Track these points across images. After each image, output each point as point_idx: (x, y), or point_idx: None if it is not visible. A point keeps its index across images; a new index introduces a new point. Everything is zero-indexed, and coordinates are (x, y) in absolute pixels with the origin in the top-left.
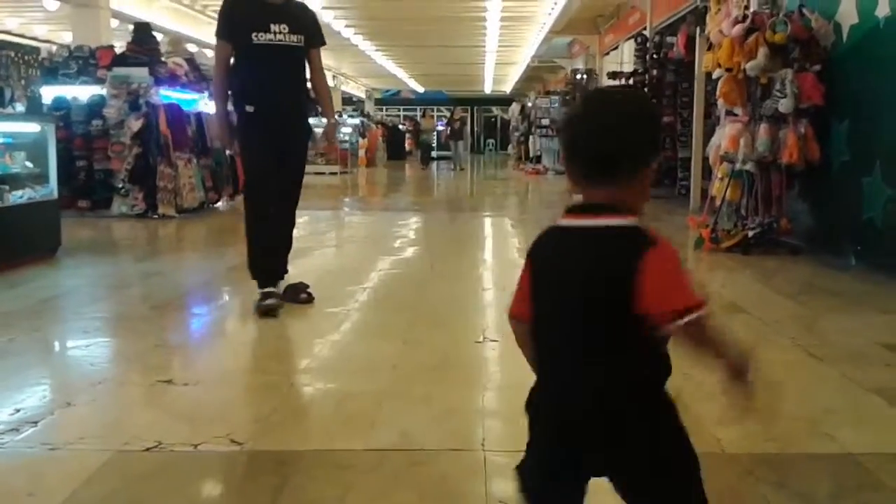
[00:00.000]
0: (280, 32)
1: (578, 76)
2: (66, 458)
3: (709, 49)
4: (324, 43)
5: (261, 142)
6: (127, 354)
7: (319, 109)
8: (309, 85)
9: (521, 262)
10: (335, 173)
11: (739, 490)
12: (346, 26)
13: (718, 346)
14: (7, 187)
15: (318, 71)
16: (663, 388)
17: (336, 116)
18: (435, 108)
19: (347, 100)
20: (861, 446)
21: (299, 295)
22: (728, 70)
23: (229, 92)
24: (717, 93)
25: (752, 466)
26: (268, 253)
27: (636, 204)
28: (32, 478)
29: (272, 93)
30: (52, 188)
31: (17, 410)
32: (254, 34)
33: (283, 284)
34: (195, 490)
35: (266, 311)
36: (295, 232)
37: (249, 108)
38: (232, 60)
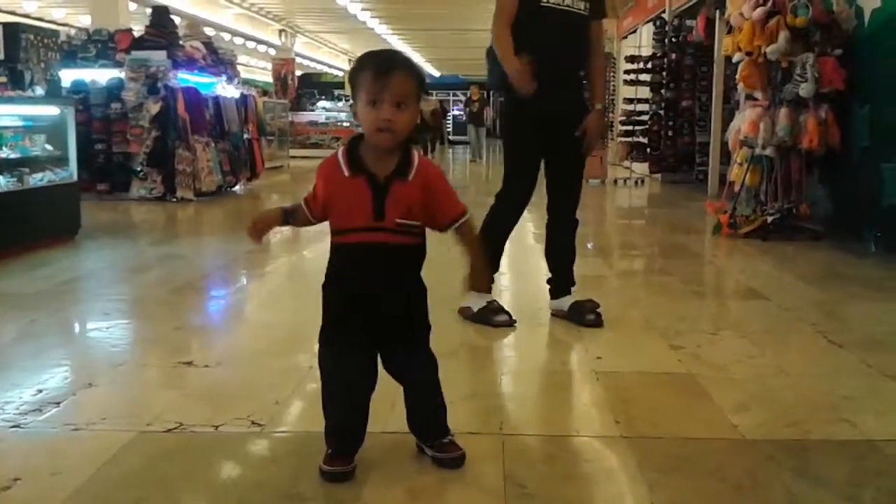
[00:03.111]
0: None
1: None
2: (88, 438)
3: (729, 32)
4: (606, 15)
5: (531, 131)
6: (147, 336)
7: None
8: None
9: (538, 247)
10: None
11: (759, 476)
12: (363, 10)
13: None
14: (27, 170)
15: (597, 48)
16: None
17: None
18: (451, 92)
19: None
20: (881, 433)
21: (585, 316)
22: (748, 54)
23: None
24: (738, 77)
25: (772, 452)
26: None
27: None
28: (56, 457)
29: (553, 71)
30: (71, 171)
31: (40, 391)
32: None
33: (567, 300)
34: (217, 470)
35: (497, 325)
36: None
37: None
38: None
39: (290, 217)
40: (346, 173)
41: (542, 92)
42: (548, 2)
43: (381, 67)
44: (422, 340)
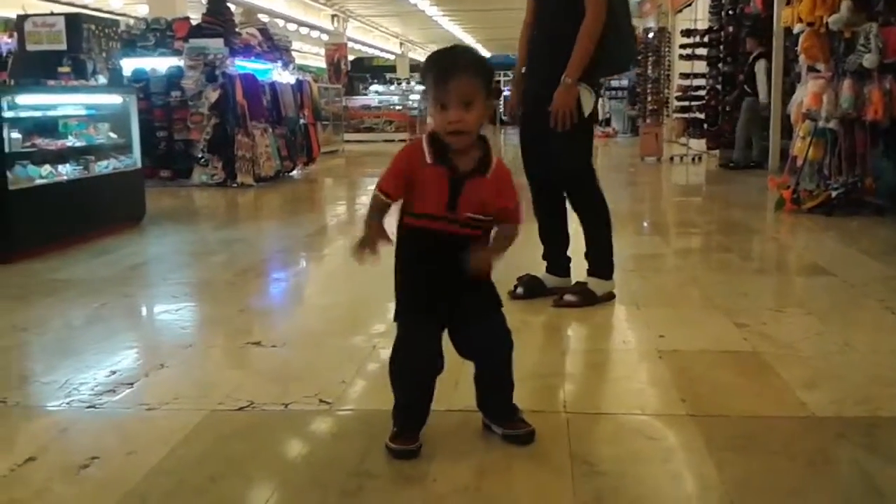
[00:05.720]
0: None
1: (650, 35)
2: (162, 417)
3: (788, 3)
4: None
5: (519, 116)
6: (215, 318)
7: None
8: None
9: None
10: (404, 140)
11: (830, 453)
12: None
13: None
14: (93, 158)
15: (588, 17)
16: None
17: (573, 78)
18: (501, 72)
19: (415, 67)
20: None
21: (564, 296)
22: (809, 24)
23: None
24: (799, 48)
25: (842, 430)
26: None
27: None
28: (131, 437)
29: (529, 53)
30: (135, 158)
31: (113, 372)
32: None
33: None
34: (287, 448)
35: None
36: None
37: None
38: None
39: (374, 218)
40: (429, 160)
41: (523, 82)
42: None
43: (443, 72)
44: (492, 312)
